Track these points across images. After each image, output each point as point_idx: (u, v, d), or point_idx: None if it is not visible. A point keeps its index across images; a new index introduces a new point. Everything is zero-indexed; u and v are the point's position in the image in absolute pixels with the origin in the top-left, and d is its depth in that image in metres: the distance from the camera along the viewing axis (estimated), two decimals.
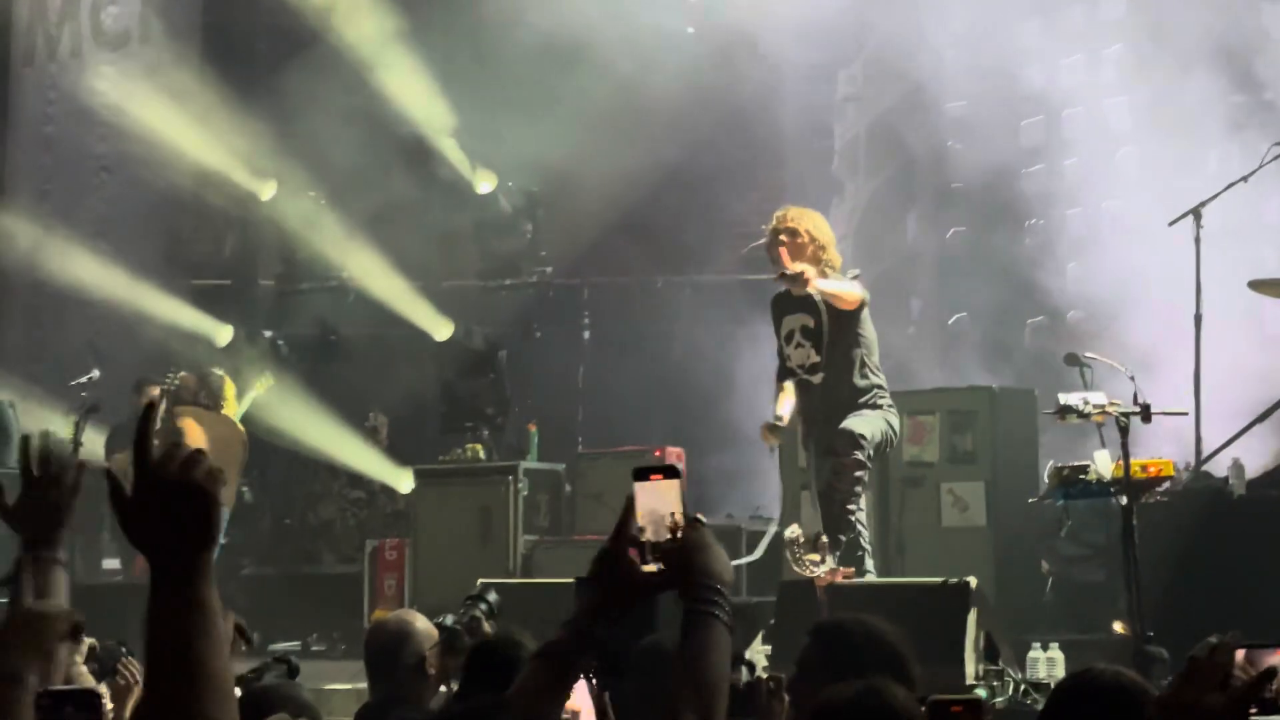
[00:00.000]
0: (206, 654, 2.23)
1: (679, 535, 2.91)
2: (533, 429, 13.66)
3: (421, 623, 5.88)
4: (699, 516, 2.97)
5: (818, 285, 8.46)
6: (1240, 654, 2.73)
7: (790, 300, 8.84)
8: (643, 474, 2.95)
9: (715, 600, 2.93)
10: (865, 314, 8.79)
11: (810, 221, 8.81)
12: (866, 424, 8.46)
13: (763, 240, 9.03)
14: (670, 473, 2.95)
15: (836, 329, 8.64)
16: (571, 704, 3.36)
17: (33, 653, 3.09)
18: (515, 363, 14.99)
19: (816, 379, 8.71)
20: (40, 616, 3.22)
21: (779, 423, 8.83)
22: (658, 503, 2.93)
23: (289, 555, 14.47)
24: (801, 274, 8.41)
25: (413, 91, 14.91)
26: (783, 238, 8.72)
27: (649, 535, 2.92)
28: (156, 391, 12.94)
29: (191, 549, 2.26)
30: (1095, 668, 3.76)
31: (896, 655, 4.42)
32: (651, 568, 2.91)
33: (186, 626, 2.23)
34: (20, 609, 3.31)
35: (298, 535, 14.57)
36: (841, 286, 8.57)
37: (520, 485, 12.71)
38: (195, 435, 11.85)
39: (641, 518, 2.92)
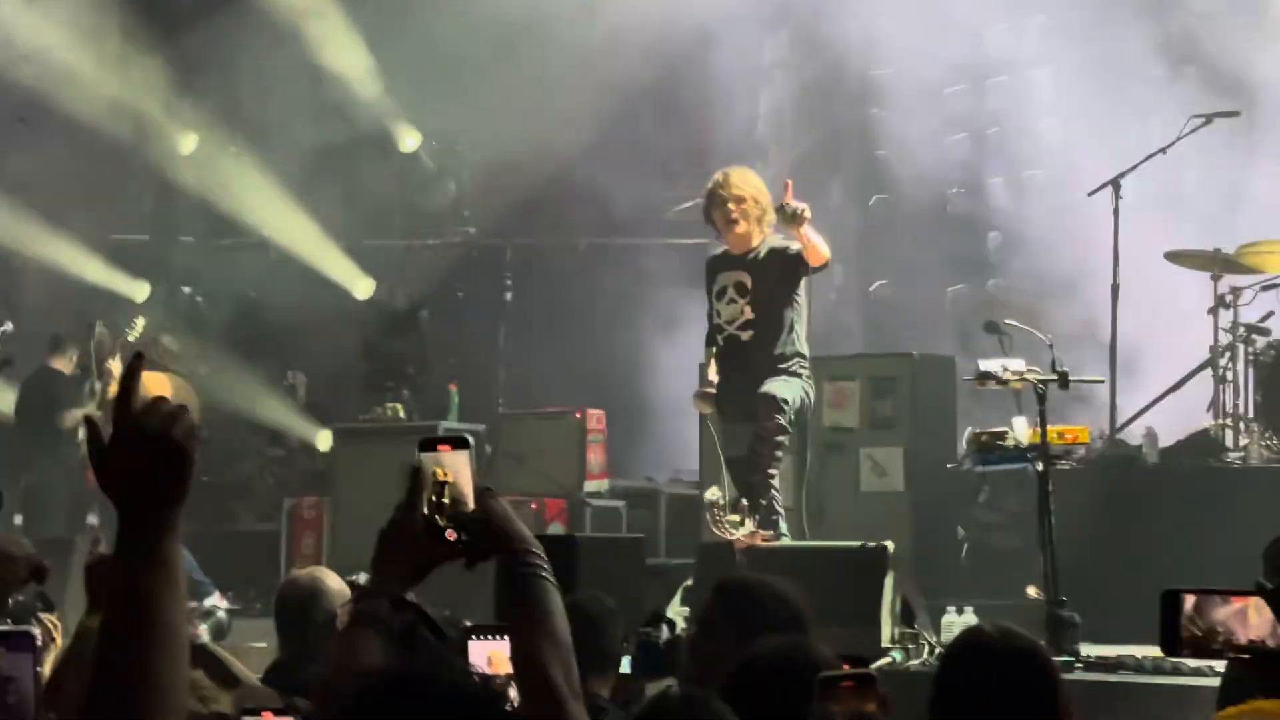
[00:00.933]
0: (166, 607, 2.23)
1: (472, 504, 2.94)
2: (453, 389, 13.63)
3: (334, 580, 5.83)
4: (488, 486, 3.01)
5: (807, 231, 8.45)
6: (1190, 599, 2.78)
7: (728, 259, 8.87)
8: (430, 445, 2.96)
9: (540, 563, 2.97)
10: (803, 284, 8.82)
11: (750, 184, 8.83)
12: (787, 388, 8.48)
13: (691, 203, 9.05)
14: (459, 443, 2.97)
15: (774, 289, 8.66)
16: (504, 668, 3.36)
17: None
18: (437, 322, 14.95)
19: (746, 335, 8.73)
20: (3, 555, 3.18)
21: (710, 390, 8.85)
22: (448, 471, 2.94)
23: (206, 513, 14.36)
24: (802, 211, 8.38)
25: (338, 47, 14.78)
26: (730, 206, 8.73)
27: (431, 502, 2.93)
28: (77, 350, 12.81)
29: (163, 503, 2.26)
30: (983, 629, 3.80)
31: (799, 614, 4.44)
32: (451, 536, 2.93)
33: (149, 579, 2.23)
34: None
35: (215, 493, 14.46)
36: (820, 241, 8.56)
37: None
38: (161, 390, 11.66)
39: (430, 487, 2.94)
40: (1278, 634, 2.68)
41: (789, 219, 8.40)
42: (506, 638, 3.12)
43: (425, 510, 2.93)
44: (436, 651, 3.09)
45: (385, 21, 14.68)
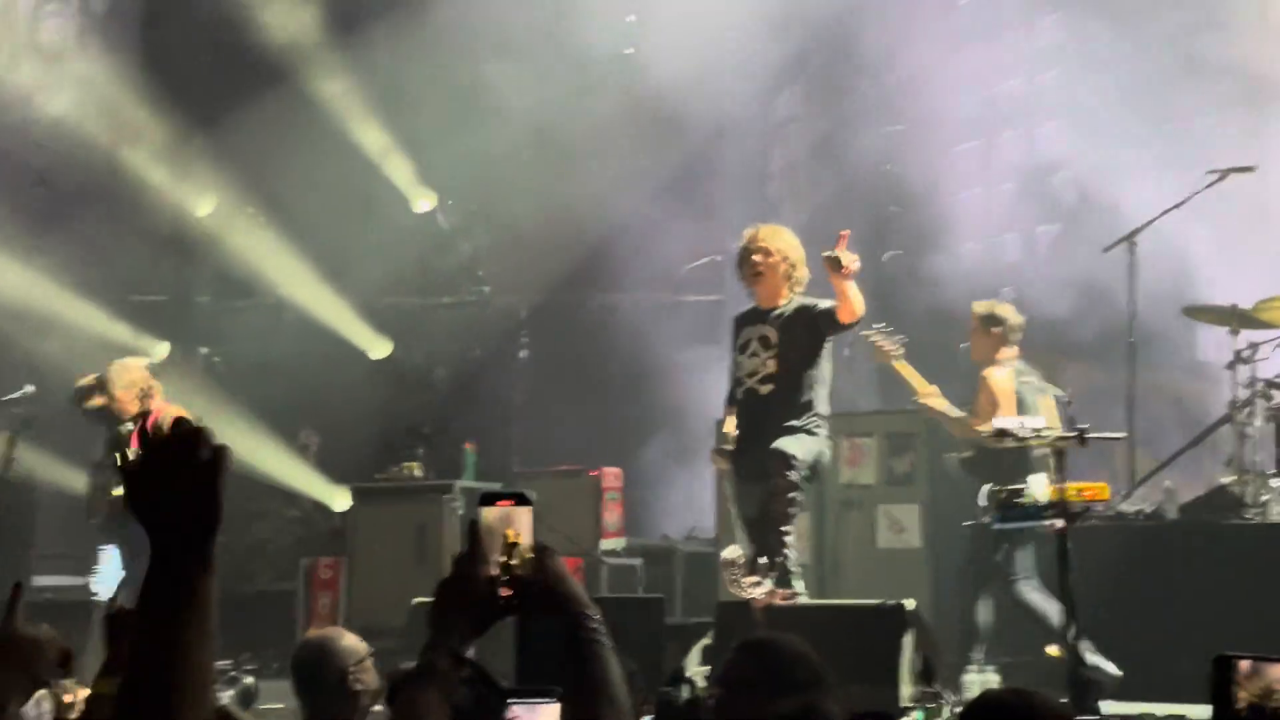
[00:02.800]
0: (194, 646, 2.16)
1: (532, 562, 2.93)
2: (469, 448, 13.61)
3: (347, 640, 5.80)
4: (548, 545, 3.00)
5: (849, 285, 8.46)
6: (1245, 665, 2.77)
7: (754, 313, 8.91)
8: (491, 500, 2.96)
9: (599, 628, 2.96)
10: (828, 346, 8.82)
11: (781, 240, 8.88)
12: (800, 445, 8.47)
13: (704, 260, 9.09)
14: (521, 499, 2.97)
15: (798, 345, 8.68)
16: None
17: (19, 682, 3.01)
18: (453, 381, 14.96)
19: (765, 389, 8.73)
20: (32, 642, 3.12)
21: (727, 446, 8.85)
22: (509, 529, 2.94)
23: (224, 573, 14.24)
24: (850, 262, 8.39)
25: (354, 109, 14.86)
26: (756, 258, 8.78)
27: (501, 561, 2.93)
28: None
29: (196, 529, 2.20)
30: (1001, 691, 3.79)
31: (820, 674, 4.46)
32: (506, 593, 2.93)
33: (181, 623, 2.16)
34: (11, 633, 3.19)
35: (233, 553, 14.45)
36: (858, 297, 8.57)
37: (456, 504, 12.67)
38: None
39: (492, 545, 2.93)
40: None
41: (834, 266, 8.40)
42: (549, 701, 3.10)
43: (494, 568, 2.92)
44: (497, 711, 3.08)
45: (403, 81, 14.76)
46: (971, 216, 14.01)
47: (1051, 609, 8.74)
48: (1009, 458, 9.10)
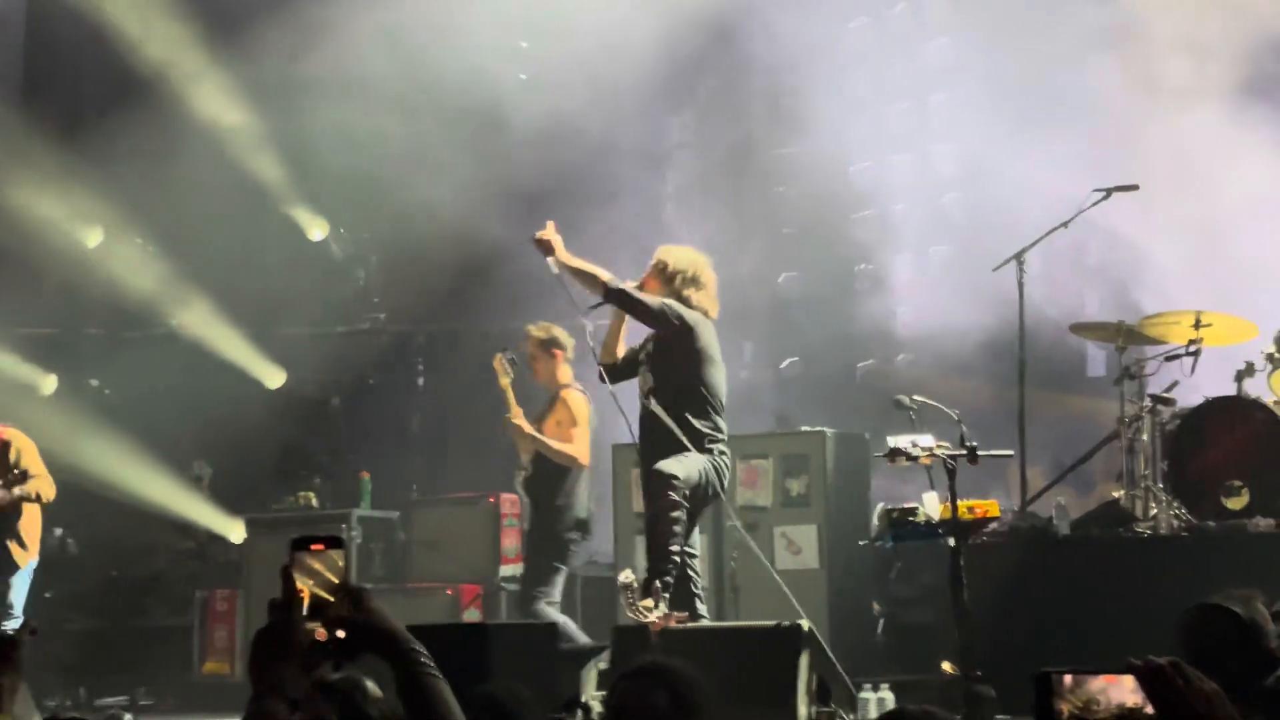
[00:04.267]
0: None
1: (350, 603, 2.93)
2: (366, 476, 13.54)
3: None
4: (365, 588, 3.00)
5: (565, 258, 8.50)
6: (1066, 679, 2.80)
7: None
8: (303, 544, 2.96)
9: (424, 660, 2.99)
10: (705, 355, 8.72)
11: (668, 252, 8.86)
12: (680, 465, 8.42)
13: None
14: (333, 542, 2.97)
15: (675, 362, 8.63)
16: None
17: None
18: (349, 410, 14.86)
19: (650, 404, 8.72)
20: None
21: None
22: (322, 571, 2.94)
23: (118, 608, 14.18)
24: (547, 240, 8.47)
25: (245, 138, 14.74)
26: (650, 270, 8.80)
27: (318, 605, 2.92)
28: None
29: None
30: (904, 710, 3.80)
31: (693, 704, 4.45)
32: (322, 636, 2.92)
33: None
34: None
35: (127, 588, 14.28)
36: (586, 266, 8.56)
37: (354, 533, 12.60)
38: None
39: (307, 587, 2.93)
40: (1143, 708, 2.70)
41: (545, 250, 8.48)
42: None
43: (303, 610, 2.91)
44: None
45: (293, 110, 14.65)
46: (865, 237, 14.11)
47: (572, 630, 9.13)
48: (559, 477, 10.02)
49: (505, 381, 10.30)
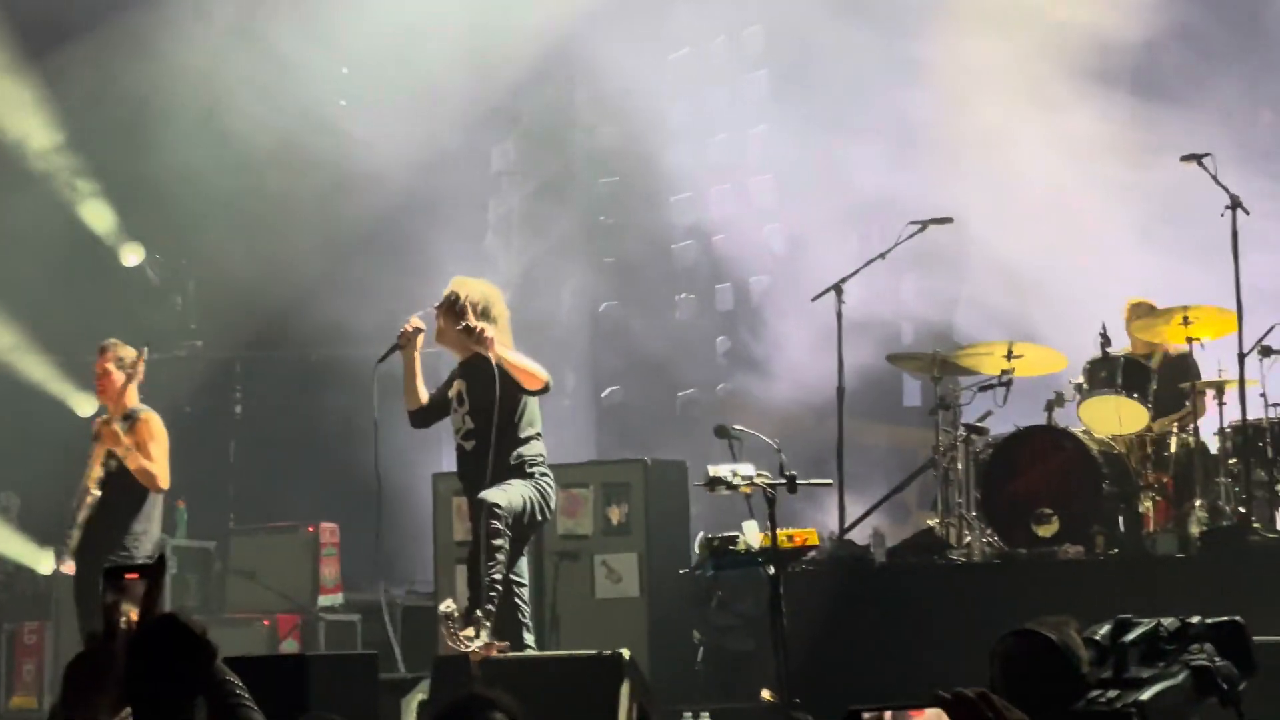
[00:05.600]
0: None
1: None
2: (181, 505, 13.30)
3: None
4: (173, 613, 2.98)
5: (501, 352, 8.41)
6: (887, 715, 2.80)
7: (459, 366, 8.81)
8: (118, 574, 2.94)
9: (239, 692, 2.97)
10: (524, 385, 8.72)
11: (467, 287, 8.76)
12: (504, 494, 8.40)
13: (421, 313, 8.93)
14: (149, 572, 2.94)
15: (491, 395, 8.58)
16: None
17: None
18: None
19: (469, 445, 8.67)
20: None
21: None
22: (136, 600, 2.93)
23: None
24: (480, 329, 8.37)
25: (55, 160, 14.44)
26: (441, 306, 8.70)
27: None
28: None
29: None
30: None
31: None
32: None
33: None
34: None
35: None
36: (528, 364, 8.49)
37: (168, 563, 12.38)
38: None
39: (121, 618, 2.91)
40: None
41: (476, 341, 8.42)
42: None
43: (120, 641, 2.87)
44: None
45: (109, 135, 14.39)
46: (685, 267, 14.21)
47: None
48: (138, 499, 9.71)
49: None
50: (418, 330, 8.71)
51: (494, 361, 8.46)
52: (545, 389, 8.58)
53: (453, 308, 8.65)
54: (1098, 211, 11.69)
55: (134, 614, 2.92)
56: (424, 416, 8.94)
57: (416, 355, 8.79)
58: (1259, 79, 12.64)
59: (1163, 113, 11.72)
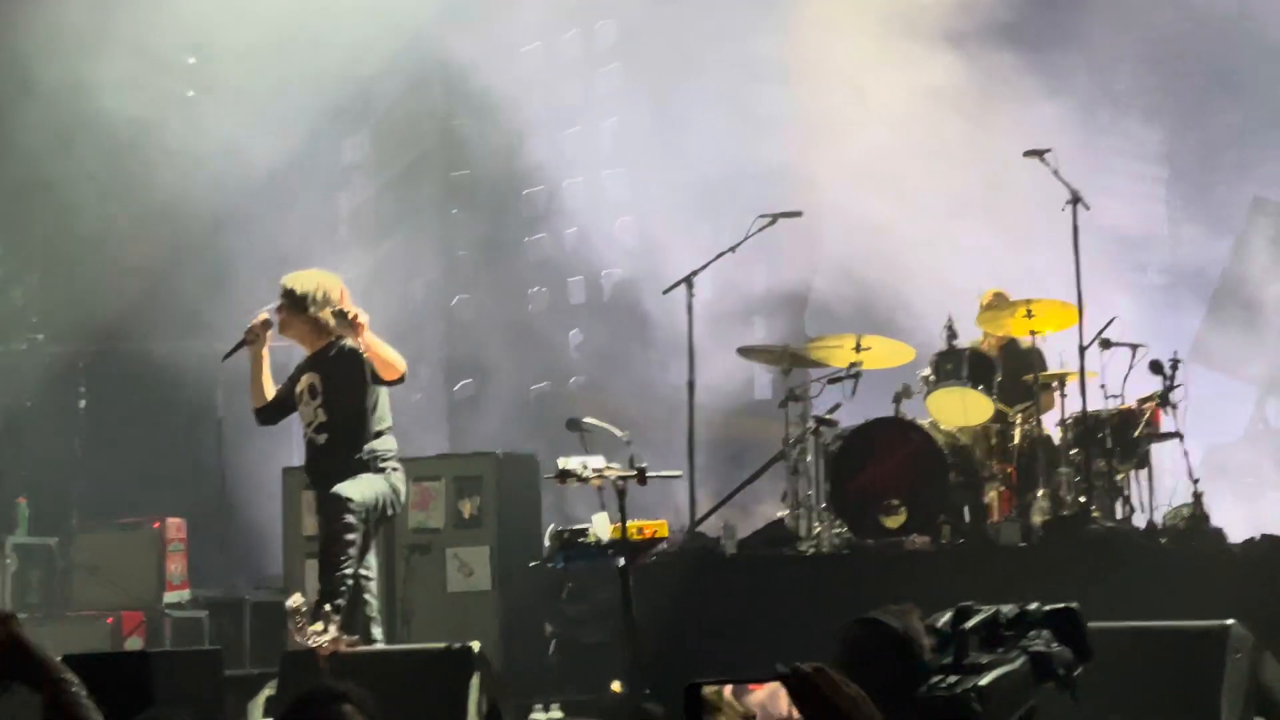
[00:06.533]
0: None
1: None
2: (22, 502, 13.07)
3: None
4: (12, 613, 2.95)
5: (369, 339, 8.34)
6: (727, 690, 2.82)
7: (307, 360, 8.71)
8: None
9: (78, 691, 2.97)
10: (373, 377, 8.65)
11: (295, 279, 8.65)
12: (356, 487, 8.34)
13: (268, 308, 8.83)
14: None
15: (344, 390, 8.52)
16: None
17: None
18: (5, 433, 14.32)
19: (321, 439, 8.59)
20: None
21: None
22: None
23: None
24: (354, 316, 8.29)
25: None
26: (280, 301, 8.60)
27: None
28: None
29: None
30: None
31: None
32: None
33: None
34: None
35: None
36: (390, 352, 8.42)
37: (9, 560, 12.17)
38: None
39: None
40: (796, 715, 2.75)
41: (346, 326, 8.34)
42: None
43: None
44: None
45: None
46: (538, 259, 14.20)
47: None
48: None
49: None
50: (266, 324, 8.63)
51: (360, 349, 8.39)
52: (400, 379, 8.53)
53: (296, 298, 8.56)
54: (946, 198, 11.84)
55: None
56: (270, 413, 8.85)
57: (265, 351, 8.70)
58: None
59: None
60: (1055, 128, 11.19)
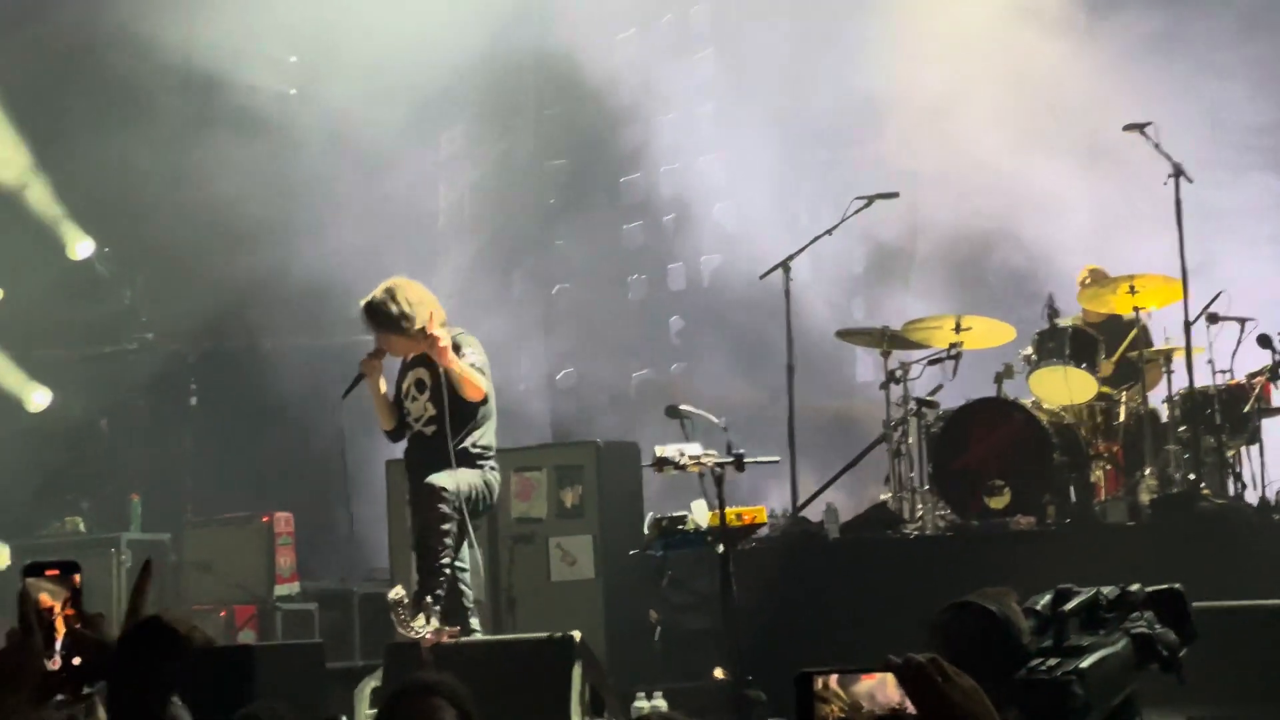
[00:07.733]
0: None
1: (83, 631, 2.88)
2: (136, 499, 13.24)
3: None
4: (100, 613, 2.95)
5: (453, 361, 8.35)
6: (833, 679, 2.78)
7: (411, 357, 8.75)
8: (37, 570, 2.90)
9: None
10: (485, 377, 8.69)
11: (381, 303, 8.63)
12: (450, 478, 8.37)
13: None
14: (69, 568, 2.91)
15: (449, 388, 8.54)
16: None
17: None
18: (118, 431, 14.52)
19: (429, 430, 8.62)
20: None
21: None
22: (57, 597, 2.89)
23: None
24: (436, 338, 8.31)
25: (2, 153, 14.32)
26: (374, 329, 8.60)
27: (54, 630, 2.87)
28: None
29: None
30: (660, 714, 3.82)
31: (473, 713, 4.44)
32: (56, 664, 2.86)
33: None
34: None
35: None
36: (473, 374, 8.42)
37: (123, 557, 12.33)
38: None
39: (41, 615, 2.87)
40: (907, 705, 2.72)
41: (429, 347, 8.36)
42: None
43: (41, 639, 2.82)
44: None
45: (60, 125, 14.28)
46: (637, 247, 14.19)
47: None
48: None
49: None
50: (378, 353, 8.66)
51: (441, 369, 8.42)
52: (484, 402, 8.54)
53: (393, 319, 8.56)
54: (1047, 179, 11.69)
55: (58, 609, 2.88)
56: (400, 431, 8.91)
57: (381, 380, 8.77)
58: None
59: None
60: (1157, 98, 11.01)
